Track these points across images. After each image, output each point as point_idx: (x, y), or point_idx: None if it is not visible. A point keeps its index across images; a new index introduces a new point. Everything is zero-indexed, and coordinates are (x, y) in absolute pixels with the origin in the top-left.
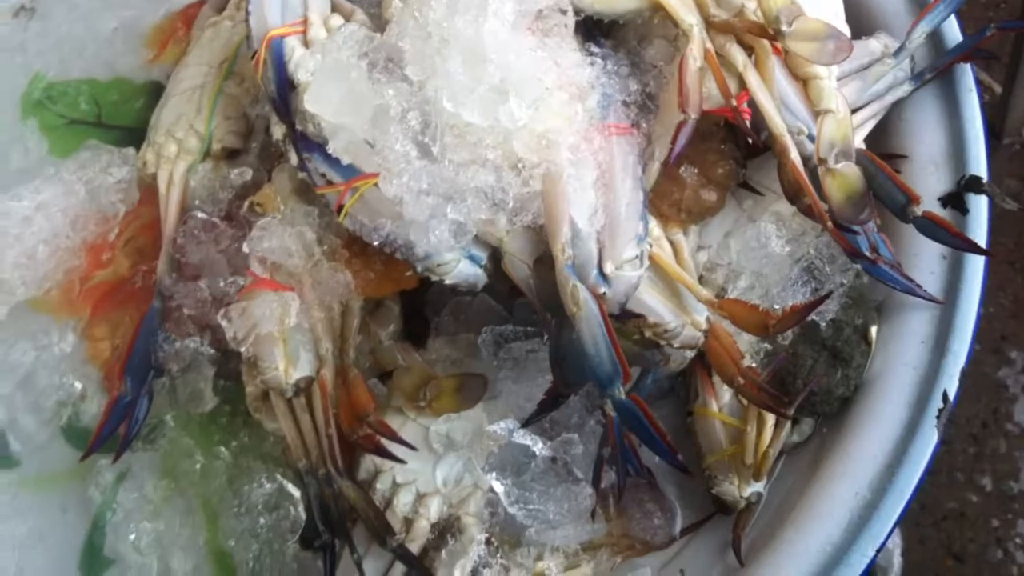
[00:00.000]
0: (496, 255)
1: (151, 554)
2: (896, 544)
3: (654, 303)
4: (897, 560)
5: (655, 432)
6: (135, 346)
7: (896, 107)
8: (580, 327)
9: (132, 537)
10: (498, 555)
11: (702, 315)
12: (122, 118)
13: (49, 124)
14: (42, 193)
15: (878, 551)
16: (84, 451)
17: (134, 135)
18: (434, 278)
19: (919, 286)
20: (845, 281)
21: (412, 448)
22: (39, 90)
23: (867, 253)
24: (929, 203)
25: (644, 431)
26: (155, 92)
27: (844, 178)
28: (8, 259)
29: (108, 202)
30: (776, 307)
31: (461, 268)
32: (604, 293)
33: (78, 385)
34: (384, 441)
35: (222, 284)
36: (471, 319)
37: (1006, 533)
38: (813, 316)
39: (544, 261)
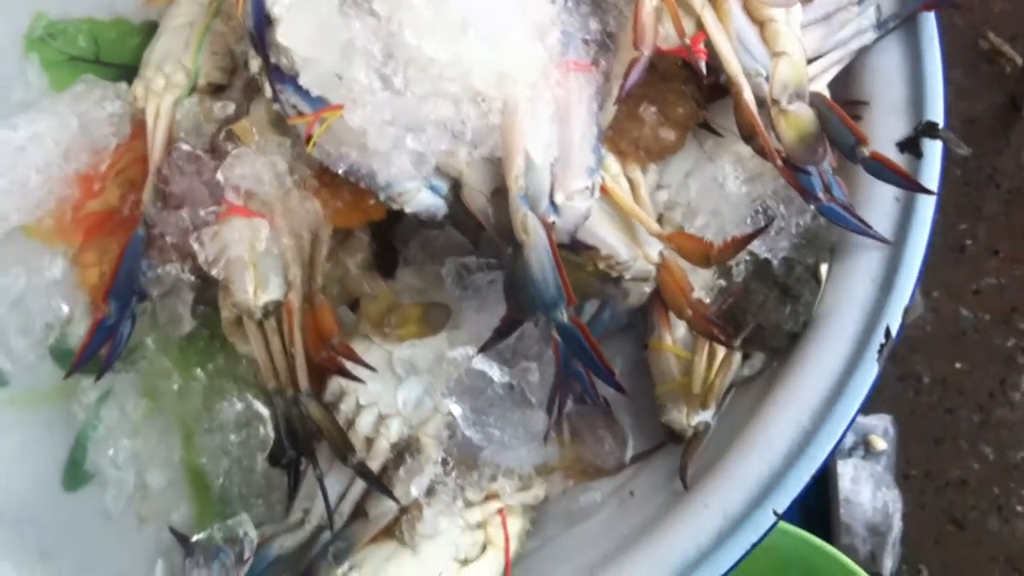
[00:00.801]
0: (457, 186)
1: (129, 469)
2: (897, 508)
3: (608, 236)
4: (897, 524)
5: (594, 354)
6: (120, 271)
7: (860, 54)
8: (528, 254)
9: (111, 453)
10: (454, 474)
11: (655, 249)
12: (120, 56)
13: (50, 60)
14: (37, 124)
15: (814, 476)
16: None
17: (131, 72)
18: (395, 206)
19: (870, 227)
20: (800, 222)
21: (372, 370)
22: (40, 28)
23: (820, 193)
24: (887, 148)
25: (584, 353)
26: (152, 31)
27: (797, 119)
28: (2, 185)
29: (100, 135)
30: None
31: (422, 197)
32: (553, 222)
33: (66, 308)
34: (347, 363)
35: (202, 214)
36: (438, 252)
37: (1007, 501)
38: (766, 254)
39: (501, 192)
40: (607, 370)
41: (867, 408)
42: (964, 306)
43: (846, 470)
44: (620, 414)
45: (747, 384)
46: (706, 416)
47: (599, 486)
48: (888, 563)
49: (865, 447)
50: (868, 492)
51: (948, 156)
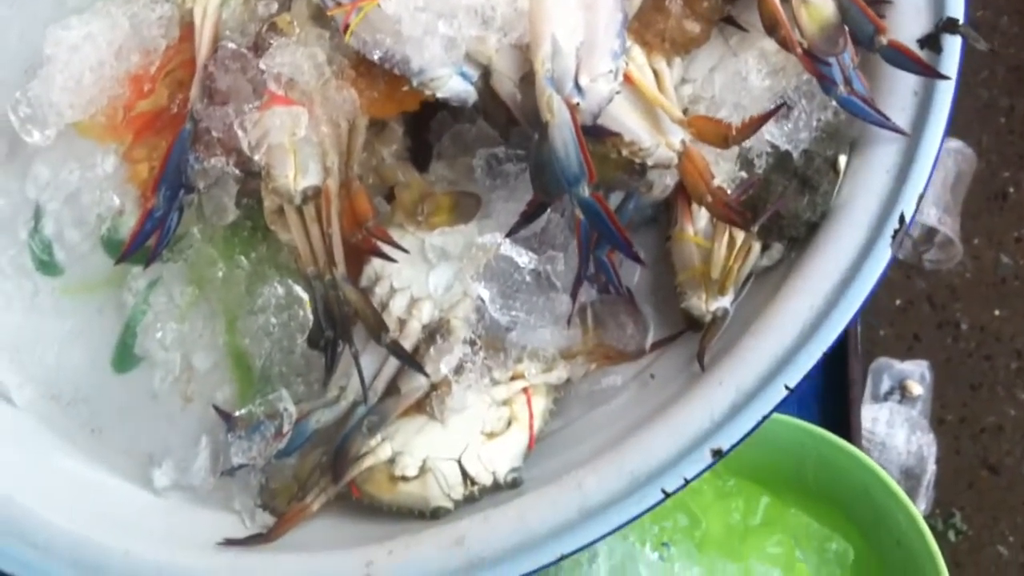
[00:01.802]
0: (487, 74)
1: (175, 352)
2: (931, 453)
3: (631, 123)
4: (931, 468)
5: (614, 227)
6: (168, 164)
7: None
8: (553, 133)
9: (159, 336)
10: (481, 354)
11: (676, 137)
12: None
13: None
14: (90, 24)
15: (825, 353)
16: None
17: None
18: (428, 92)
19: (888, 118)
20: (821, 117)
21: (404, 251)
22: None
23: (840, 85)
24: (908, 45)
25: (605, 227)
26: None
27: (818, 10)
28: (57, 83)
29: (150, 36)
30: None
31: (453, 84)
32: (577, 103)
33: (117, 201)
34: (380, 245)
35: (247, 109)
36: (470, 145)
37: None
38: (786, 146)
39: (528, 79)
40: (626, 242)
41: (904, 354)
42: (1005, 253)
43: (881, 414)
44: (642, 304)
45: (766, 274)
46: (724, 303)
47: (620, 370)
48: (922, 506)
49: (901, 392)
50: (903, 436)
51: (994, 104)
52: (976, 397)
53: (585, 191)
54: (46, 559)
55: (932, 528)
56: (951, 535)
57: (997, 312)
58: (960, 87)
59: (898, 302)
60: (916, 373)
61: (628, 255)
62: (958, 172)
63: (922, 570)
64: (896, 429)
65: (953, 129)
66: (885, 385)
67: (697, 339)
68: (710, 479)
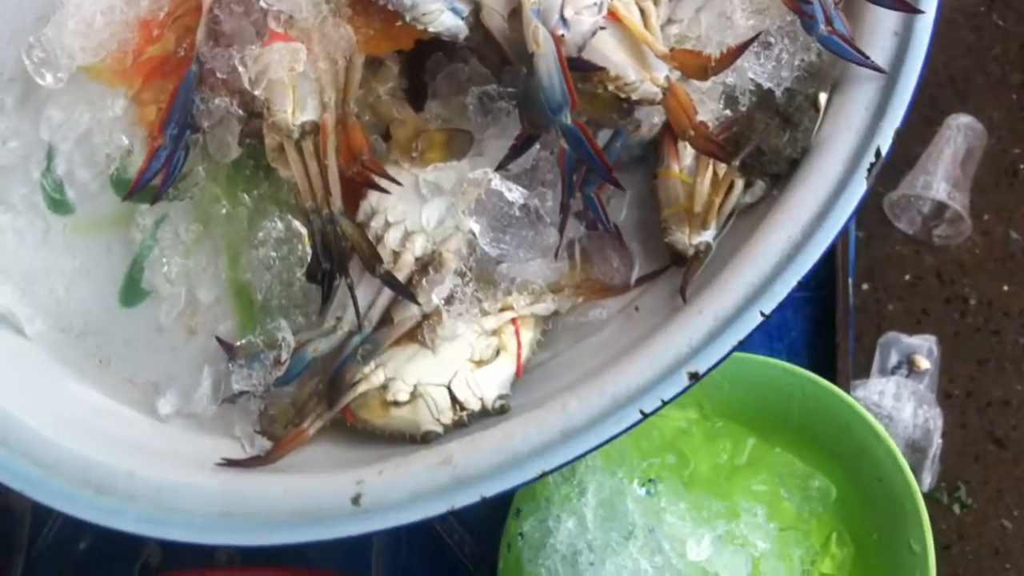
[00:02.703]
0: (477, 9)
1: (180, 285)
2: (937, 426)
3: (617, 58)
4: (937, 441)
5: (594, 152)
6: (174, 105)
7: None
8: (538, 63)
9: (165, 270)
10: (471, 286)
11: (661, 73)
12: None
13: None
14: None
15: (800, 281)
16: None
17: None
18: (420, 27)
19: (867, 57)
20: (804, 58)
21: (398, 184)
22: None
23: (821, 24)
24: None
25: (586, 151)
26: None
27: None
28: (69, 27)
29: None
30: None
31: (444, 19)
32: (562, 35)
33: (126, 141)
34: (375, 177)
35: (249, 50)
36: (463, 84)
37: None
38: (769, 84)
39: (516, 13)
40: (606, 167)
41: (912, 328)
42: (1014, 229)
43: (888, 388)
44: (629, 241)
45: (748, 211)
46: (707, 237)
47: (606, 304)
48: (927, 479)
49: (909, 366)
50: (910, 409)
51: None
52: (983, 371)
53: (568, 118)
54: (53, 477)
55: (937, 501)
56: (956, 508)
57: (1006, 287)
58: (971, 63)
59: (907, 277)
60: (924, 347)
61: (608, 180)
62: (968, 148)
63: (901, 504)
64: (903, 403)
65: (964, 105)
66: (893, 359)
67: (681, 274)
68: (699, 422)
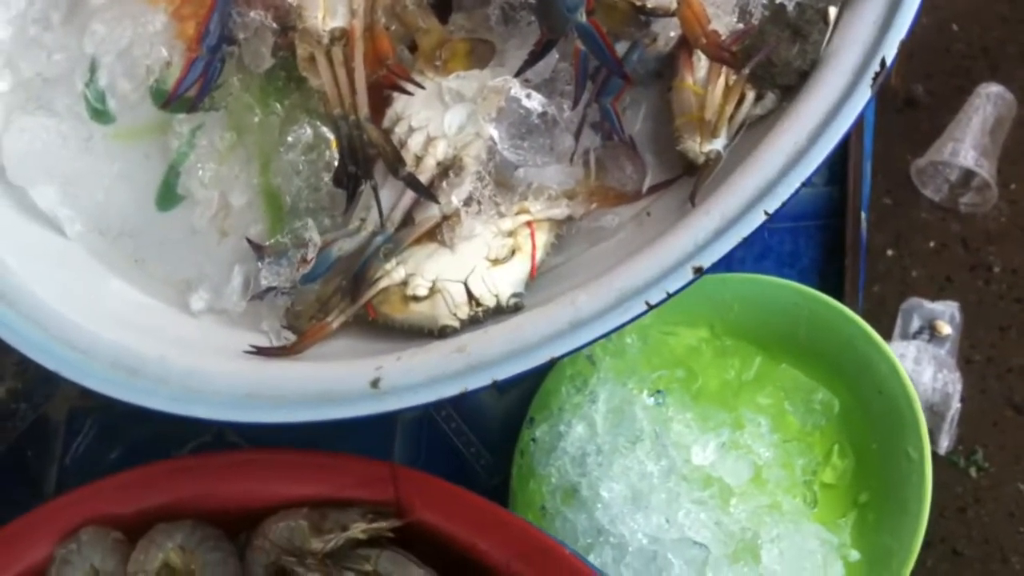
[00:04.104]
0: None
1: (214, 190)
2: (956, 390)
3: None
4: (956, 405)
5: (607, 48)
6: (212, 17)
7: None
8: None
9: (200, 174)
10: (489, 189)
11: None
12: None
13: None
14: None
15: (803, 184)
16: (166, 109)
17: None
18: None
19: None
20: None
21: (421, 87)
22: None
23: None
24: None
25: (599, 48)
26: None
27: None
28: None
29: None
30: None
31: None
32: None
33: (165, 53)
34: (399, 80)
35: None
36: None
37: None
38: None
39: None
40: (617, 62)
41: (936, 295)
42: None
43: (909, 351)
44: (642, 152)
45: (759, 123)
46: (718, 145)
47: (619, 211)
48: (944, 442)
49: (930, 331)
50: (929, 373)
51: None
52: (1005, 338)
53: (583, 16)
54: (87, 360)
55: (954, 464)
56: (972, 471)
57: None
58: (1005, 34)
59: (932, 244)
60: (946, 313)
61: (618, 74)
62: (997, 117)
63: (900, 415)
64: (923, 366)
65: (995, 76)
66: (915, 324)
67: (691, 183)
68: (709, 340)
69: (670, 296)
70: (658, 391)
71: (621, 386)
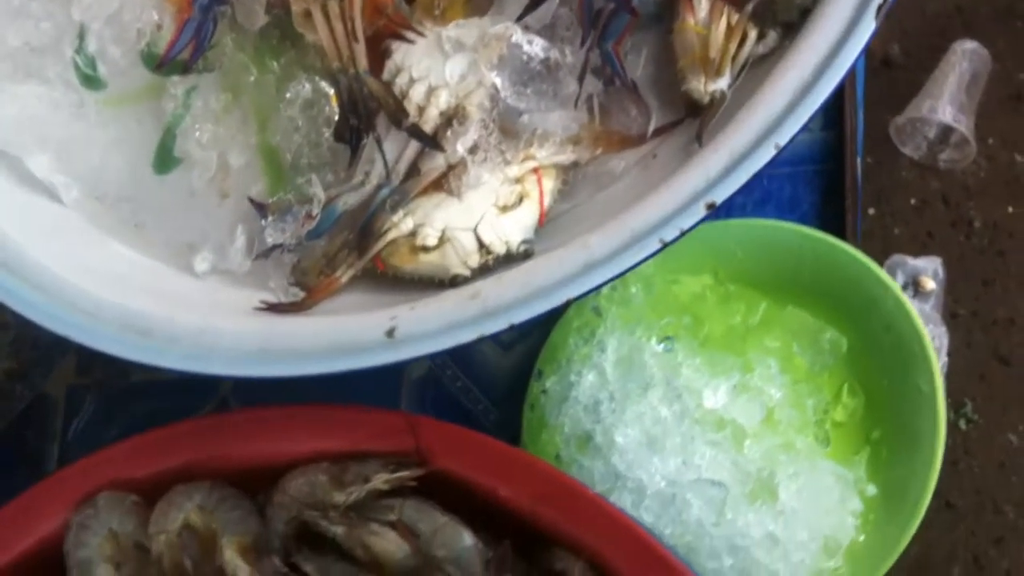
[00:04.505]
0: None
1: (212, 150)
2: (943, 344)
3: None
4: (943, 359)
5: None
6: None
7: None
8: None
9: (197, 135)
10: (494, 136)
11: None
12: None
13: None
14: None
15: (810, 118)
16: (159, 72)
17: None
18: None
19: None
20: None
21: (421, 35)
22: None
23: None
24: None
25: None
26: None
27: None
28: None
29: None
30: None
31: None
32: None
33: (156, 16)
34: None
35: None
36: None
37: None
38: None
39: None
40: None
41: (918, 251)
42: (1019, 153)
43: None
44: (646, 96)
45: (762, 62)
46: (722, 84)
47: (624, 155)
48: None
49: (915, 287)
50: None
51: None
52: (988, 292)
53: None
54: (95, 322)
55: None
56: (962, 424)
57: (1010, 209)
58: None
59: (913, 201)
60: (929, 269)
61: (626, 8)
62: (973, 73)
63: (909, 349)
64: None
65: (969, 31)
66: (899, 280)
67: (696, 123)
68: (713, 287)
69: (683, 233)
70: (667, 338)
71: (629, 335)
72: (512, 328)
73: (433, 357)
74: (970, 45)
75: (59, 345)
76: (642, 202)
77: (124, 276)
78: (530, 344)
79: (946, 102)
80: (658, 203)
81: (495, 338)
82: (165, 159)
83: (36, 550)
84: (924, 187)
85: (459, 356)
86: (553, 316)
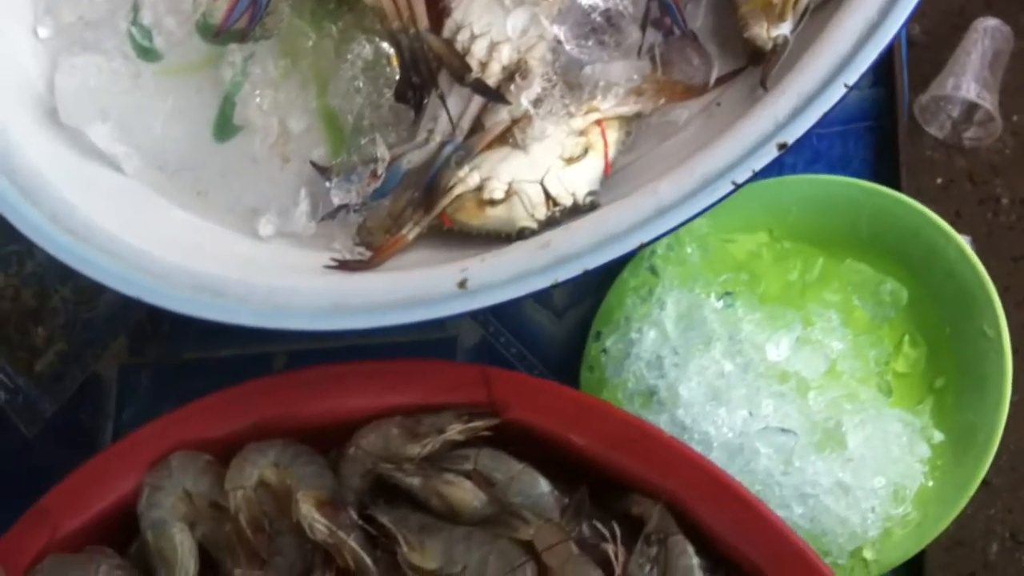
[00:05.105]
0: None
1: (272, 116)
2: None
3: None
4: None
5: None
6: None
7: None
8: None
9: (257, 100)
10: (558, 89)
11: None
12: None
13: None
14: None
15: (878, 56)
16: (216, 42)
17: None
18: None
19: None
20: None
21: None
22: None
23: None
24: None
25: None
26: None
27: None
28: None
29: None
30: None
31: None
32: None
33: None
34: None
35: None
36: None
37: None
38: None
39: None
40: None
41: None
42: None
43: None
44: (706, 45)
45: (822, 7)
46: (784, 30)
47: (688, 105)
48: None
49: None
50: None
51: None
52: (1018, 268)
53: None
54: (166, 285)
55: None
56: None
57: None
58: None
59: (939, 180)
60: None
61: None
62: (996, 50)
63: (972, 295)
64: None
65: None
66: None
67: (759, 72)
68: (769, 244)
69: (755, 174)
70: (726, 293)
71: (688, 292)
72: (586, 273)
73: (509, 304)
74: (992, 22)
75: (110, 326)
76: (711, 147)
77: (190, 242)
78: (582, 310)
79: (970, 79)
80: (727, 147)
81: (549, 305)
82: (225, 127)
83: (112, 512)
84: (950, 166)
85: (512, 324)
86: (606, 279)
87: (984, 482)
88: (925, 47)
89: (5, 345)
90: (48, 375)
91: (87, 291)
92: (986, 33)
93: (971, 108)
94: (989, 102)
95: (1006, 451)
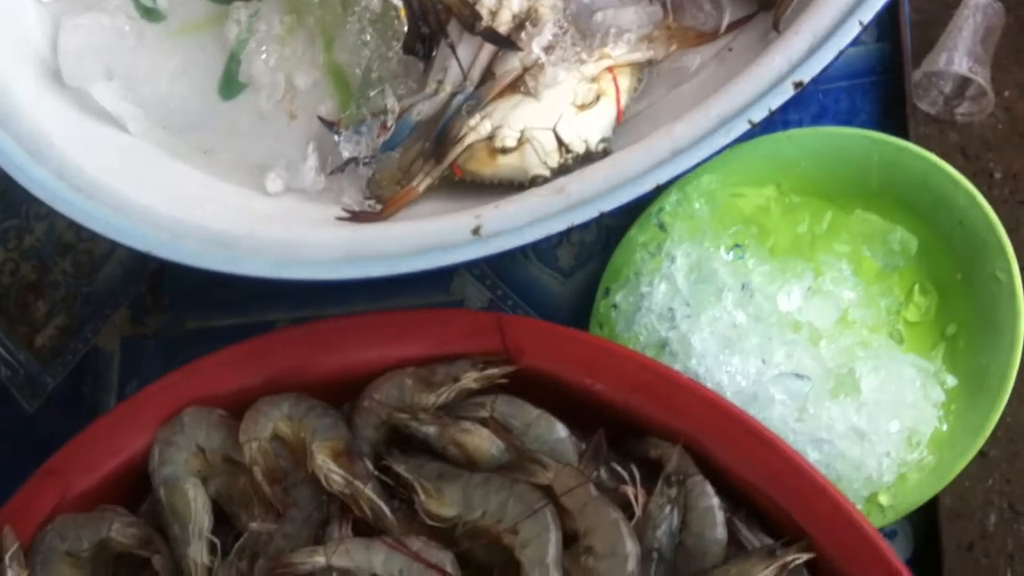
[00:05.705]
0: None
1: (278, 72)
2: None
3: None
4: None
5: None
6: None
7: None
8: None
9: (263, 57)
10: (569, 35)
11: None
12: None
13: None
14: None
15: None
16: (221, 1)
17: None
18: None
19: None
20: None
21: None
22: None
23: None
24: None
25: None
26: None
27: None
28: None
29: None
30: None
31: None
32: None
33: None
34: None
35: None
36: None
37: None
38: None
39: None
40: None
41: None
42: None
43: None
44: None
45: None
46: None
47: (700, 50)
48: None
49: None
50: None
51: None
52: (1014, 239)
53: None
54: (177, 240)
55: None
56: None
57: None
58: None
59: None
60: None
61: None
62: (987, 26)
63: (983, 241)
64: None
65: None
66: None
67: (770, 17)
68: (777, 199)
69: (772, 112)
70: (736, 246)
71: (697, 245)
72: (602, 216)
73: (523, 248)
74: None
75: (111, 299)
76: (725, 89)
77: (199, 198)
78: (590, 271)
79: (963, 54)
80: (743, 87)
81: (555, 267)
82: (231, 84)
83: (122, 471)
84: (943, 141)
85: (519, 286)
86: (612, 240)
87: (981, 453)
88: (917, 25)
89: (5, 319)
90: (49, 349)
91: (87, 265)
92: (978, 9)
93: (963, 84)
94: (982, 76)
95: (1003, 423)
